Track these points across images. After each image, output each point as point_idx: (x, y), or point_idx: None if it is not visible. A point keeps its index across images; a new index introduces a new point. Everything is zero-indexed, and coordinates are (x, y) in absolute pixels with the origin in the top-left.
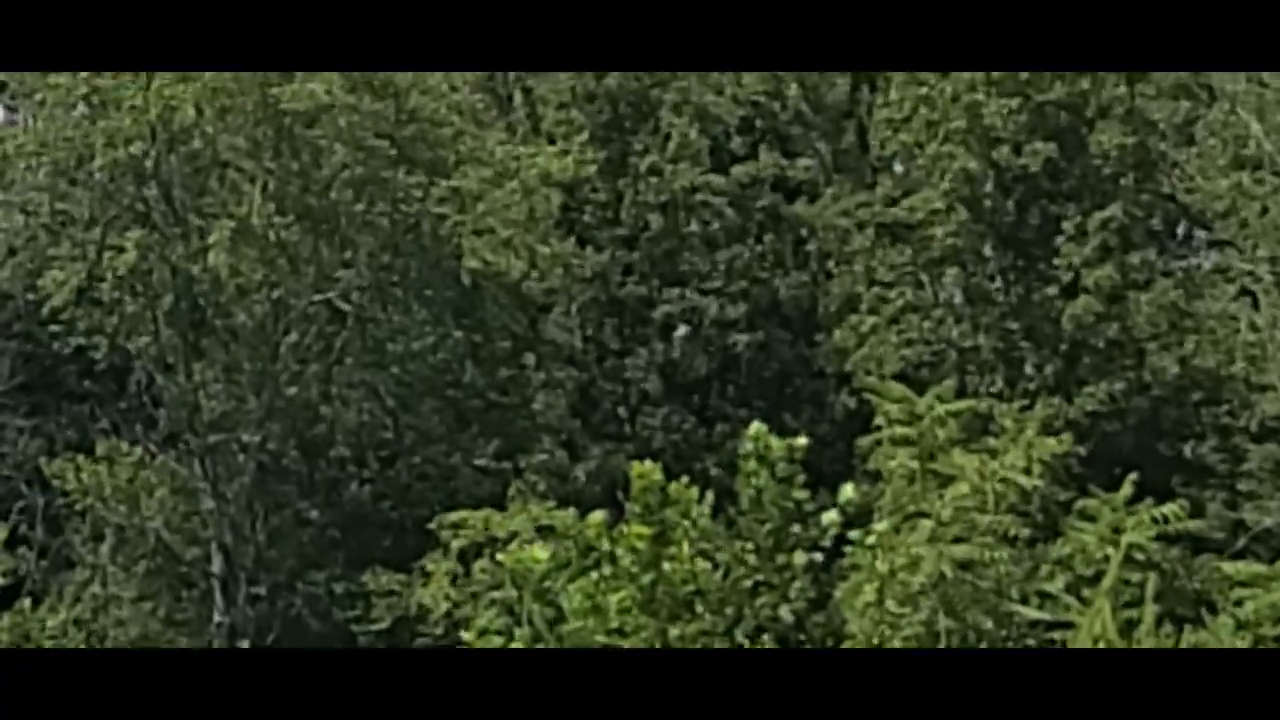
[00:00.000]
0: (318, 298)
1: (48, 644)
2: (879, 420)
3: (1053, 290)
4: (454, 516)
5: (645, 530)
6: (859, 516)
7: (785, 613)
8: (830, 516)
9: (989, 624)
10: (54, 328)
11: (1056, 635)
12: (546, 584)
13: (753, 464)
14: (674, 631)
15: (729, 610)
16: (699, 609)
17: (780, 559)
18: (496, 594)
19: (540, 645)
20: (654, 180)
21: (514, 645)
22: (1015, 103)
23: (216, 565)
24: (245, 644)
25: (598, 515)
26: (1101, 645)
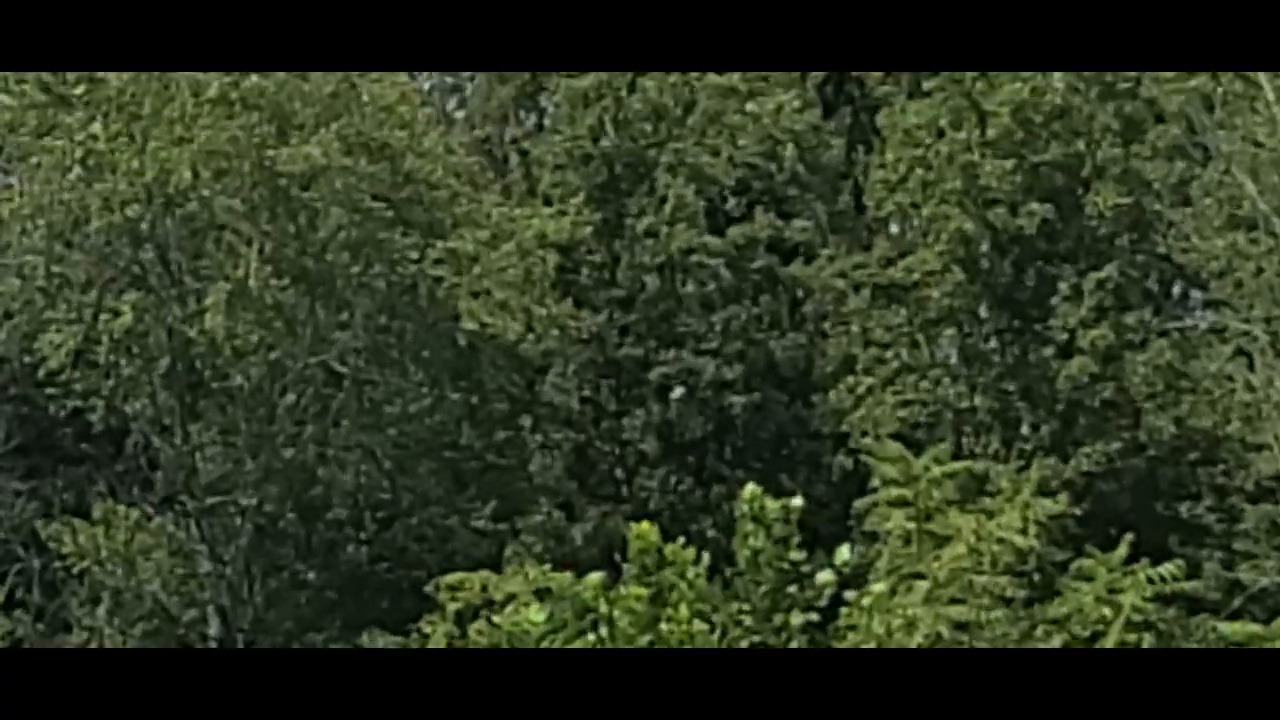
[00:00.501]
0: (314, 360)
1: None
2: (875, 481)
3: (1049, 351)
4: (450, 579)
5: (642, 591)
6: (855, 577)
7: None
8: (826, 577)
9: None
10: (50, 390)
11: None
12: (543, 646)
13: (749, 525)
14: None
15: None
16: None
17: (777, 619)
18: None
19: None
20: (650, 242)
21: None
22: (1010, 164)
23: (214, 628)
24: None
25: (595, 577)
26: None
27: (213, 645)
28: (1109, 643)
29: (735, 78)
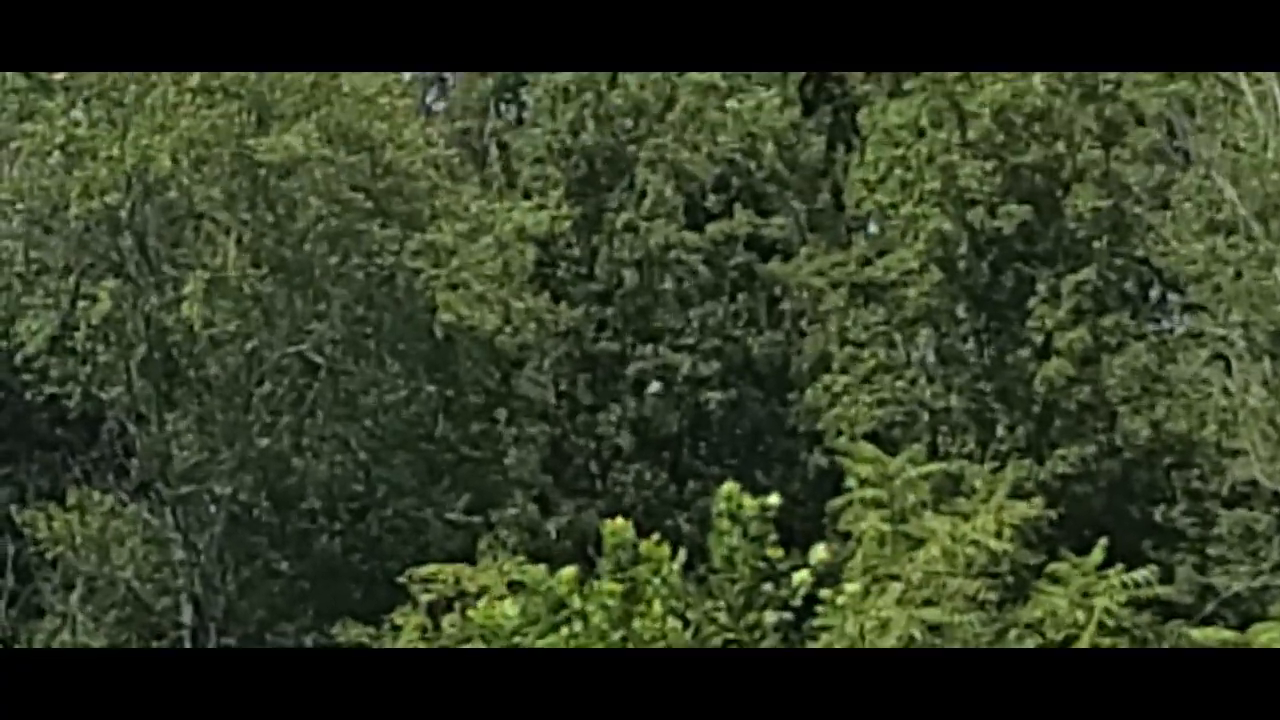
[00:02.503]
0: (291, 350)
1: None
2: (850, 482)
3: (1025, 352)
4: (424, 570)
5: (616, 587)
6: (830, 576)
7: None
8: (801, 576)
9: None
10: (27, 376)
11: None
12: (516, 640)
13: (725, 522)
14: None
15: None
16: None
17: (751, 618)
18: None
19: None
20: (629, 237)
21: None
22: (990, 165)
23: (186, 615)
24: None
25: (569, 571)
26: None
27: (185, 633)
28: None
29: (716, 74)
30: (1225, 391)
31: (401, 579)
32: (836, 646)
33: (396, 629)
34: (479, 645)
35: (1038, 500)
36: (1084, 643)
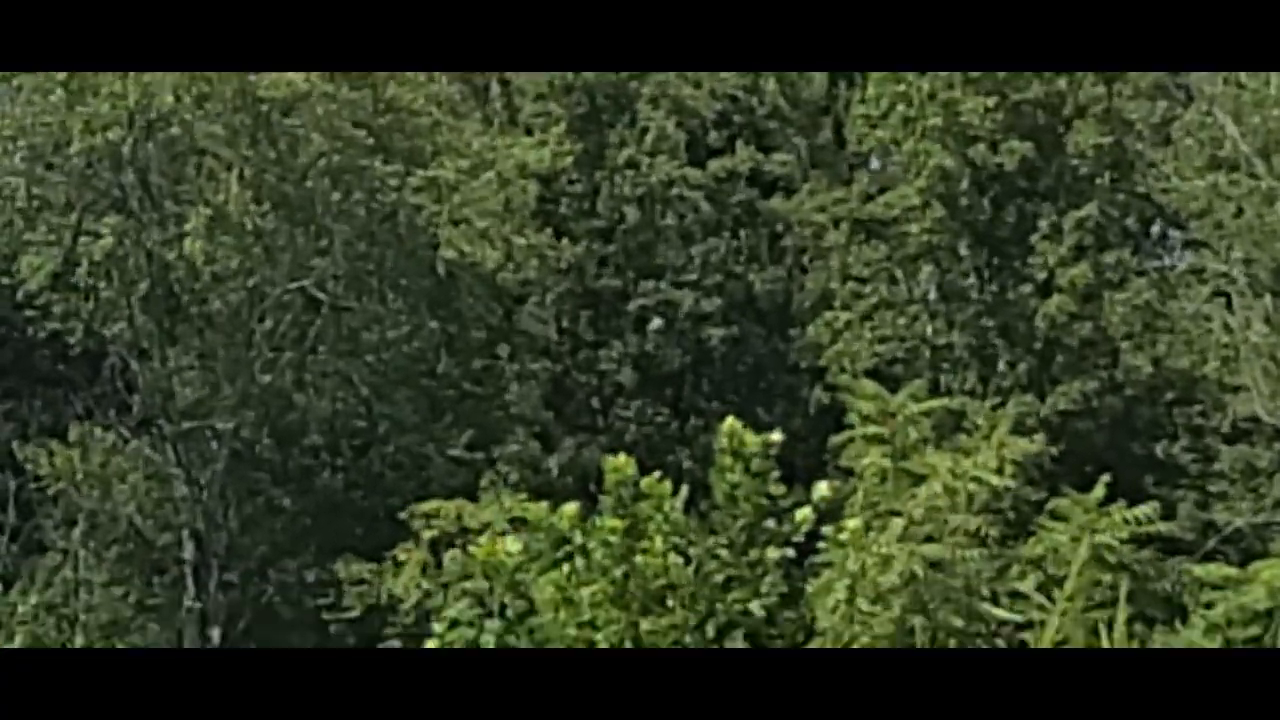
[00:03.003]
0: (293, 286)
1: (18, 628)
2: (852, 418)
3: (1027, 289)
4: (426, 506)
5: (618, 523)
6: (832, 513)
7: (757, 608)
8: (804, 513)
9: (959, 623)
10: (29, 312)
11: (1027, 636)
12: (518, 576)
13: (727, 459)
14: (645, 625)
15: (700, 605)
16: (670, 603)
17: (753, 554)
18: (468, 585)
19: (511, 637)
20: (630, 173)
21: (485, 637)
22: (992, 101)
23: (188, 551)
24: (216, 630)
25: (570, 507)
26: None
27: (187, 569)
28: (1073, 580)
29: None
30: (1226, 328)
31: (403, 515)
32: (838, 581)
33: (398, 565)
34: (481, 582)
35: (1039, 437)
36: (1074, 575)
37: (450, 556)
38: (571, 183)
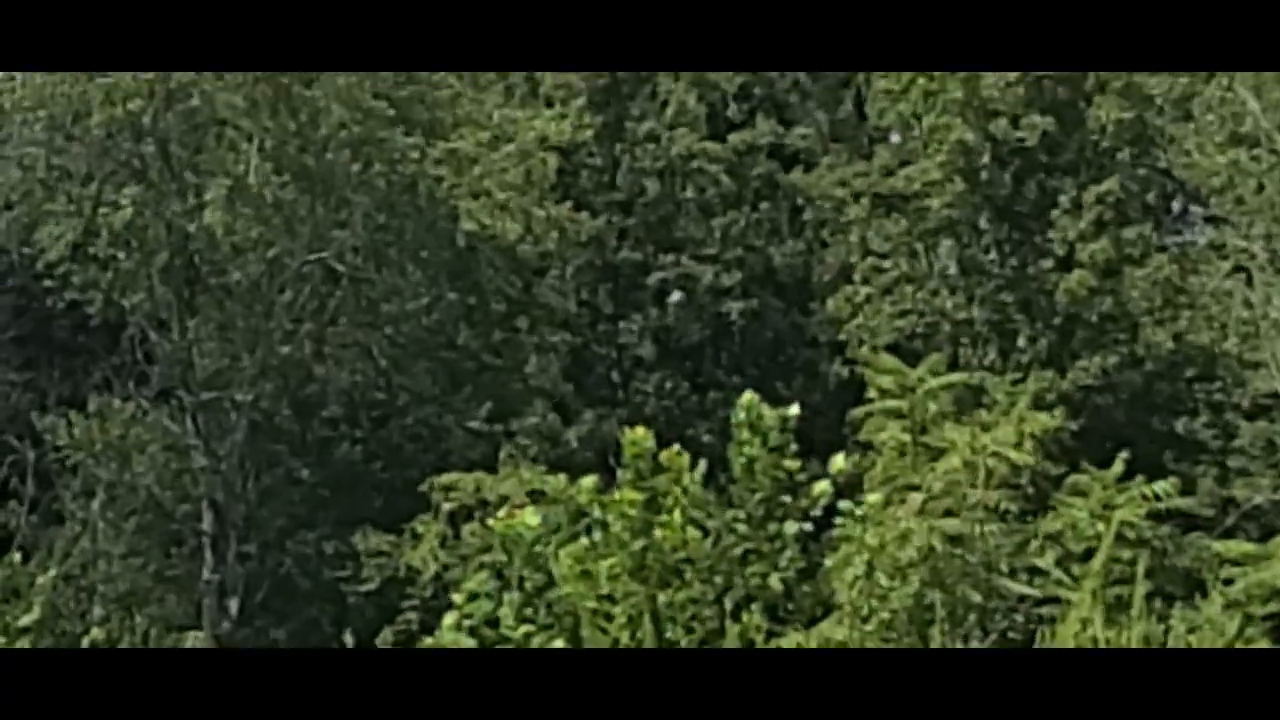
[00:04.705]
0: (312, 257)
1: (36, 599)
2: (871, 392)
3: (1047, 264)
4: (445, 479)
5: (636, 496)
6: (850, 487)
7: (775, 581)
8: (822, 487)
9: (978, 598)
10: (48, 282)
11: (1044, 610)
12: (537, 549)
13: (745, 433)
14: (663, 598)
15: (719, 578)
16: (689, 576)
17: (771, 528)
18: (486, 557)
19: (529, 610)
20: (651, 146)
21: (502, 610)
22: (1013, 75)
23: (207, 523)
24: (234, 601)
25: (589, 480)
26: (1090, 628)
27: (205, 540)
28: (1100, 558)
29: None
30: (1247, 304)
31: (422, 487)
32: (856, 555)
33: (417, 537)
34: (500, 554)
35: (1059, 412)
36: (1102, 554)
37: (469, 529)
38: (591, 155)
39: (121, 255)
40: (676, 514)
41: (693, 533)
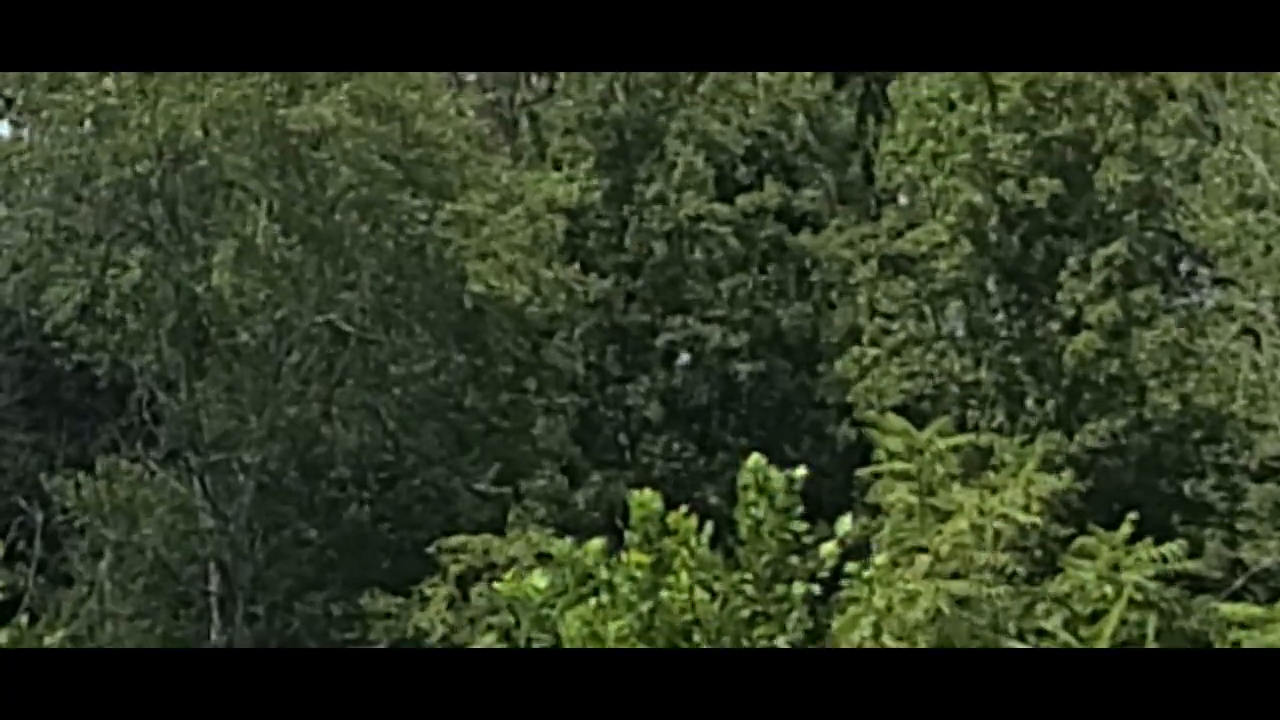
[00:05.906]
0: (320, 319)
1: None
2: (879, 454)
3: (1055, 325)
4: (453, 541)
5: (644, 559)
6: (857, 549)
7: (782, 643)
8: (829, 548)
9: None
10: (56, 344)
11: None
12: (544, 611)
13: (752, 494)
14: None
15: (726, 640)
16: (696, 638)
17: (778, 590)
18: (494, 620)
19: None
20: (659, 208)
21: None
22: (1021, 138)
23: (214, 584)
24: None
25: (597, 543)
26: None
27: (213, 602)
28: (1111, 622)
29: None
30: (1254, 366)
31: (430, 549)
32: (863, 617)
33: (425, 599)
34: (507, 616)
35: (1066, 474)
36: (1112, 618)
37: (477, 591)
38: (599, 217)
39: (129, 316)
40: (684, 576)
41: (700, 595)
